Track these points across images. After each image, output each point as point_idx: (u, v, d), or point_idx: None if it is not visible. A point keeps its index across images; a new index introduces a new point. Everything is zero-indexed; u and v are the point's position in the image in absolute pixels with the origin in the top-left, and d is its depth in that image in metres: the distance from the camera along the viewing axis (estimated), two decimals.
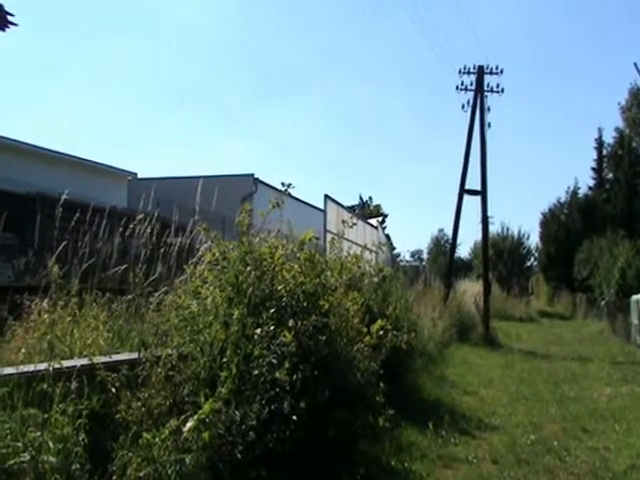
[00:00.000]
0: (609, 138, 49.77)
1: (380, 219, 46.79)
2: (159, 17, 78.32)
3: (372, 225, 30.65)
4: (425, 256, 69.75)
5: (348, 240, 13.78)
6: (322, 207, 21.38)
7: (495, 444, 7.65)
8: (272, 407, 4.75)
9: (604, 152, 49.91)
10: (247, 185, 23.72)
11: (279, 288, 5.54)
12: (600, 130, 50.35)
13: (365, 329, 6.48)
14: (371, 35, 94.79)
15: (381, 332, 6.58)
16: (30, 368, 4.29)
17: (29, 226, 7.26)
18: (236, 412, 4.62)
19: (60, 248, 5.95)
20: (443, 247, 61.82)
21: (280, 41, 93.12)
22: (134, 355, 5.05)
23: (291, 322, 5.33)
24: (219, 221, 10.34)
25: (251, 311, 5.24)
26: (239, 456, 4.53)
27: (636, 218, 41.96)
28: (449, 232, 32.01)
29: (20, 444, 3.70)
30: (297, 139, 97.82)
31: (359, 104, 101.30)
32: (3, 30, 6.77)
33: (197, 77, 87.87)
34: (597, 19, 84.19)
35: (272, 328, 5.08)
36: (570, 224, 46.56)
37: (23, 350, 4.81)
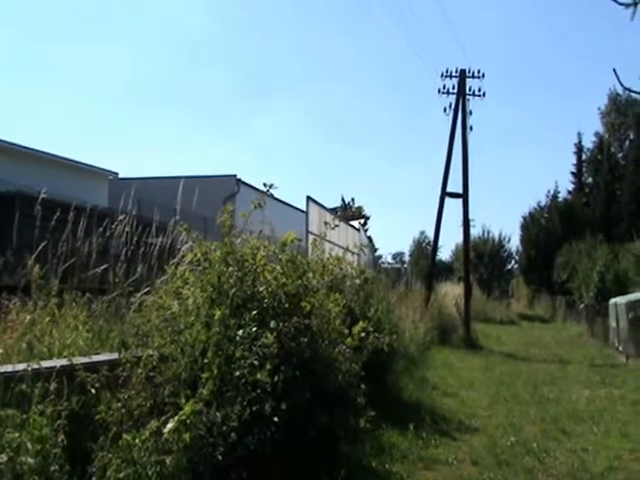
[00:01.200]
0: (589, 143, 50.48)
1: (362, 221, 46.88)
2: (146, 18, 77.95)
3: (354, 227, 30.72)
4: (407, 258, 69.92)
5: (330, 242, 13.80)
6: (304, 208, 21.39)
7: (475, 446, 7.69)
8: (253, 408, 4.74)
9: (584, 157, 50.52)
10: (229, 186, 23.69)
11: (261, 289, 5.53)
12: (580, 135, 51.03)
13: (347, 331, 6.47)
14: (355, 38, 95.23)
15: (363, 334, 6.59)
16: (8, 368, 4.25)
17: (8, 225, 7.17)
18: (217, 413, 4.60)
19: (40, 248, 5.89)
20: (425, 249, 61.90)
21: (264, 44, 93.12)
22: (114, 356, 5.01)
23: (273, 323, 5.31)
24: (201, 221, 10.30)
25: (233, 312, 5.22)
26: (220, 457, 4.51)
27: (615, 222, 42.53)
28: (431, 234, 32.10)
29: None
30: (280, 141, 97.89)
31: (342, 107, 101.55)
32: None
33: (182, 79, 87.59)
34: (578, 26, 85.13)
35: (254, 329, 5.06)
36: (550, 228, 47.00)
37: (1, 350, 4.75)
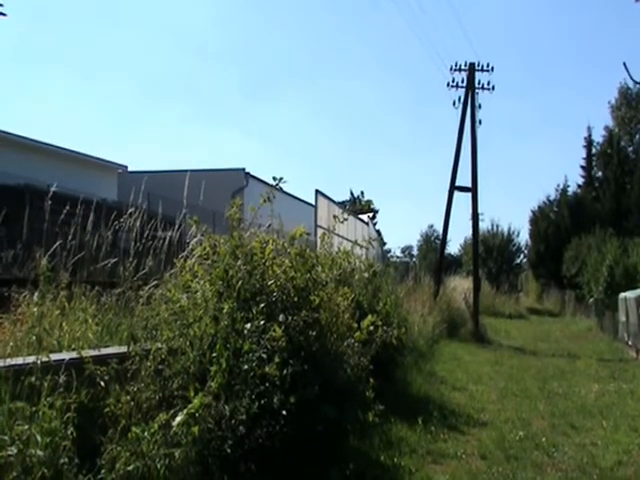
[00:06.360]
0: (598, 137, 50.11)
1: (371, 215, 46.77)
2: (154, 12, 77.95)
3: (363, 221, 30.69)
4: (415, 252, 69.98)
5: (339, 235, 13.79)
6: (313, 202, 21.38)
7: (484, 440, 7.68)
8: (262, 402, 4.74)
9: (593, 150, 50.18)
10: (238, 179, 23.69)
11: (269, 283, 5.52)
12: (590, 129, 50.62)
13: (355, 325, 6.47)
14: (364, 32, 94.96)
15: (371, 328, 6.57)
16: (18, 361, 4.26)
17: (18, 218, 7.19)
18: (226, 407, 4.61)
19: (55, 246, 5.91)
20: (433, 243, 61.96)
21: (273, 38, 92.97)
22: (123, 349, 5.02)
23: (281, 317, 5.31)
24: (209, 215, 10.30)
25: (241, 305, 5.22)
26: (229, 451, 4.52)
27: (624, 216, 42.21)
28: (439, 228, 32.15)
29: (7, 437, 3.67)
30: (289, 135, 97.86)
31: (351, 100, 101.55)
32: None
33: (192, 73, 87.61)
34: (588, 19, 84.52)
35: (262, 323, 5.06)
36: (559, 222, 46.72)
37: (11, 343, 4.77)
